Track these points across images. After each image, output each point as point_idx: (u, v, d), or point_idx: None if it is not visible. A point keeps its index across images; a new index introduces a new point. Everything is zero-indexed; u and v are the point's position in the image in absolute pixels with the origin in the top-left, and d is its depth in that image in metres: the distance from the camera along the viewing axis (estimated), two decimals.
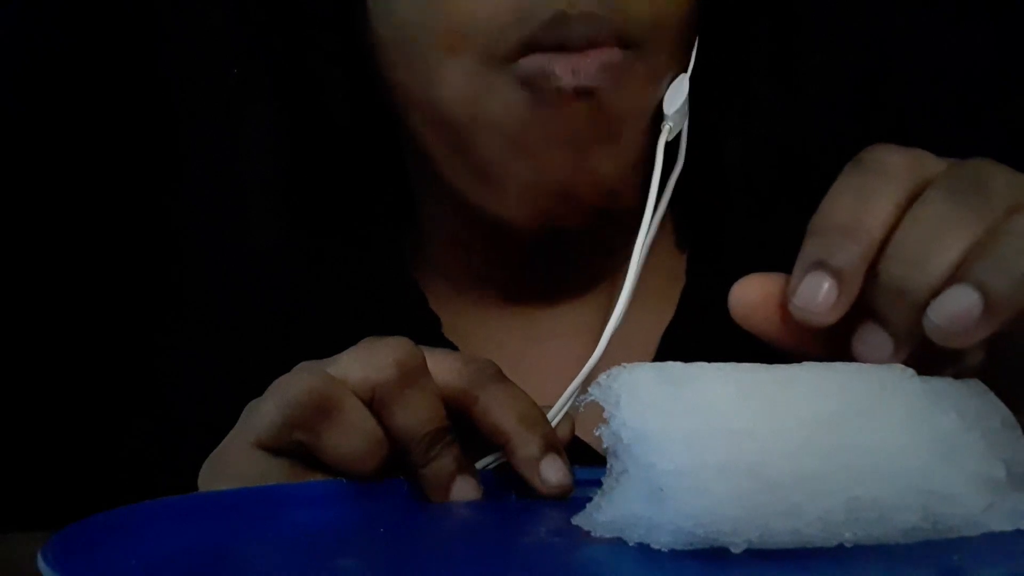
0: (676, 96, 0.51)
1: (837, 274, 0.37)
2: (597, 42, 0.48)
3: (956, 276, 0.36)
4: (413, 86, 0.51)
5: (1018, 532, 0.36)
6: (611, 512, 0.35)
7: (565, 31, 0.47)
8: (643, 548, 0.34)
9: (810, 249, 0.38)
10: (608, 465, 0.36)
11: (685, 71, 0.52)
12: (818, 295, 0.38)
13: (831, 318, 0.38)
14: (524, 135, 0.49)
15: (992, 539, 0.36)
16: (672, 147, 0.51)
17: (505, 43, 0.48)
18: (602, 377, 0.36)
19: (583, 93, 0.48)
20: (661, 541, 0.33)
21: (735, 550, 0.32)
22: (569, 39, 0.47)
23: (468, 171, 0.52)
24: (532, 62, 0.48)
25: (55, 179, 0.78)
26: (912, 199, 0.38)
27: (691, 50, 0.53)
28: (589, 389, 0.36)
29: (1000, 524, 0.36)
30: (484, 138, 0.50)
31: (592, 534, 0.36)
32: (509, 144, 0.50)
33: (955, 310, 0.36)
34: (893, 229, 0.38)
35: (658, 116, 0.52)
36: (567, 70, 0.48)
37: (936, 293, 0.36)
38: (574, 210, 0.52)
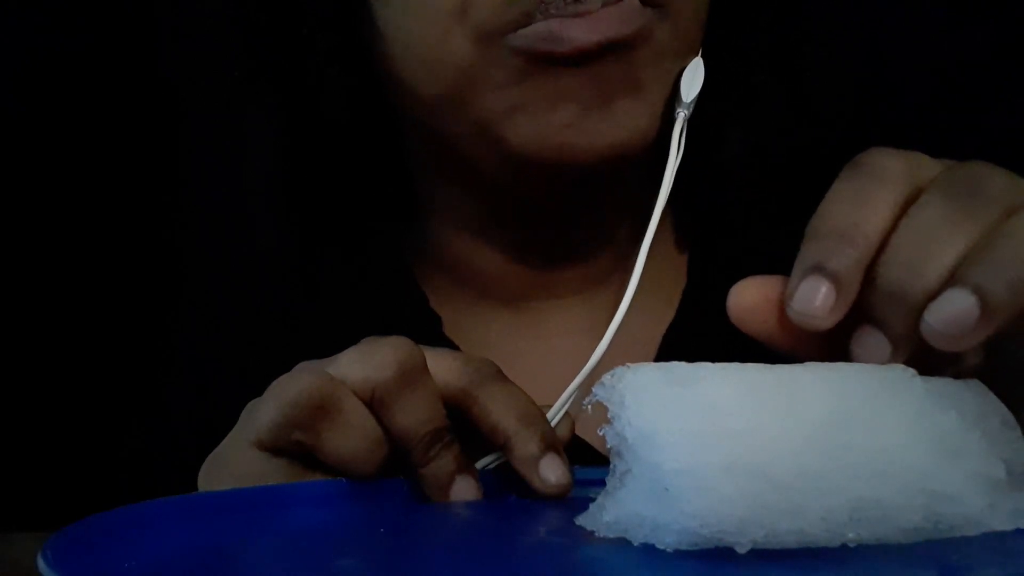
0: (693, 81, 0.51)
1: (834, 278, 0.37)
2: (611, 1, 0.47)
3: (953, 279, 0.36)
4: (414, 71, 0.51)
5: (1018, 531, 0.36)
6: (615, 512, 0.35)
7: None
8: (646, 548, 0.34)
9: (807, 253, 0.38)
10: (611, 465, 0.36)
11: (699, 47, 0.52)
12: (816, 299, 0.38)
13: (829, 322, 0.38)
14: (528, 101, 0.49)
15: (992, 539, 0.36)
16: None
17: (505, 15, 0.47)
18: (606, 377, 0.36)
19: (605, 48, 0.47)
20: (666, 541, 0.33)
21: (740, 550, 0.32)
22: (584, 4, 0.46)
23: (478, 132, 0.51)
24: (537, 28, 0.47)
25: (56, 180, 0.77)
26: (909, 203, 0.38)
27: (704, 27, 0.52)
28: (593, 389, 0.36)
29: (1001, 523, 0.36)
30: (492, 104, 0.49)
31: (596, 534, 0.36)
32: (517, 103, 0.49)
33: (952, 313, 0.36)
34: (890, 233, 0.38)
35: (671, 95, 0.51)
36: (579, 28, 0.47)
37: (933, 296, 0.36)
38: (587, 144, 0.49)
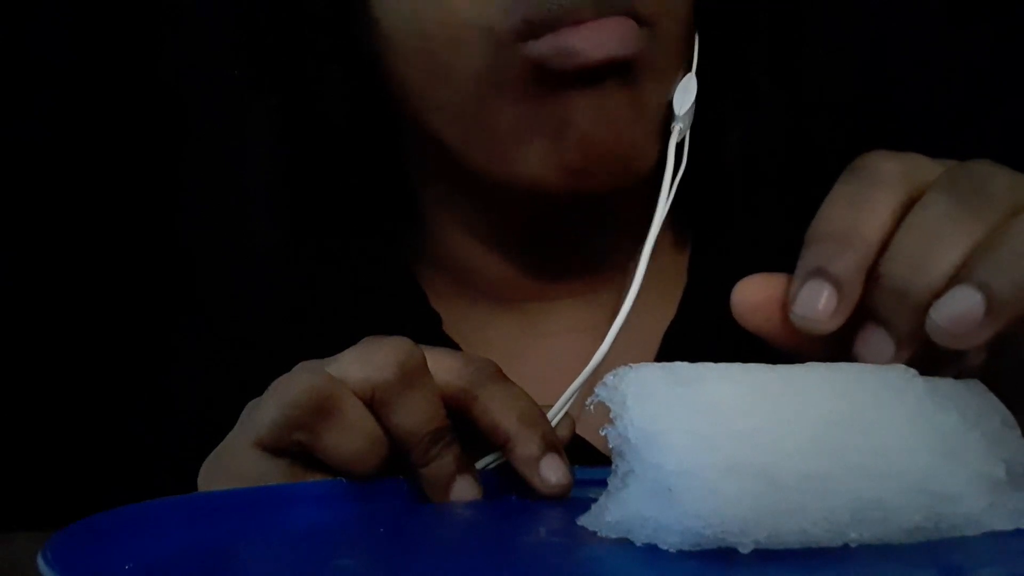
0: (685, 96, 0.51)
1: (836, 282, 0.38)
2: (608, 13, 0.47)
3: (958, 277, 0.36)
4: (420, 78, 0.51)
5: (1018, 531, 0.36)
6: (618, 513, 0.35)
7: (573, 5, 0.47)
8: (649, 548, 0.34)
9: (808, 258, 0.39)
10: (613, 465, 0.36)
11: (690, 66, 0.52)
12: (818, 303, 0.38)
13: (831, 326, 0.38)
14: (538, 123, 0.49)
15: (992, 539, 0.36)
16: (676, 147, 0.51)
17: (509, 21, 0.47)
18: (608, 377, 0.36)
19: (611, 69, 0.48)
20: (669, 542, 0.33)
21: (743, 550, 0.32)
22: (577, 12, 0.47)
23: (488, 152, 0.51)
24: (547, 42, 0.47)
25: (57, 181, 0.77)
26: (909, 204, 0.38)
27: (692, 41, 0.53)
28: (595, 389, 0.36)
29: (1001, 523, 0.36)
30: (502, 121, 0.50)
31: (598, 534, 0.36)
32: (527, 125, 0.49)
33: (957, 311, 0.36)
34: (890, 235, 0.38)
35: (666, 112, 0.52)
36: (587, 41, 0.47)
37: (938, 294, 0.36)
38: (598, 168, 0.50)
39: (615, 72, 0.48)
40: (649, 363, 0.36)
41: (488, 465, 0.45)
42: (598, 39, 0.47)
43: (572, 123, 0.49)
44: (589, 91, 0.48)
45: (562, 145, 0.49)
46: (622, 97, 0.49)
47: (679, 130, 0.51)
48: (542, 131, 0.49)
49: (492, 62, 0.48)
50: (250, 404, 0.44)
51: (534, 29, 0.47)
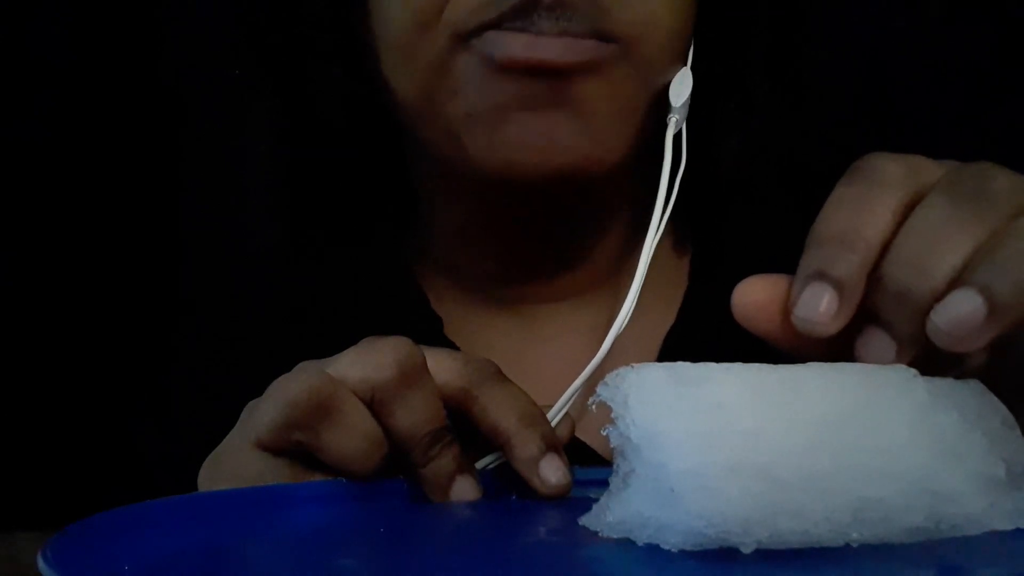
0: (682, 89, 0.51)
1: (837, 284, 0.38)
2: (568, 33, 0.48)
3: (959, 280, 0.36)
4: (393, 69, 0.51)
5: (1018, 531, 0.36)
6: (620, 513, 0.35)
7: (532, 18, 0.47)
8: (650, 548, 0.34)
9: (809, 260, 0.38)
10: (615, 465, 0.36)
11: (680, 64, 0.52)
12: (819, 306, 0.38)
13: (832, 329, 0.38)
14: (480, 110, 0.49)
15: (992, 538, 0.36)
16: (674, 145, 0.51)
17: (474, 22, 0.48)
18: (610, 377, 0.36)
19: (542, 71, 0.48)
20: (671, 542, 0.33)
21: (745, 550, 0.32)
22: (537, 26, 0.47)
23: (445, 146, 0.51)
24: (491, 37, 0.48)
25: (57, 182, 0.77)
26: (910, 207, 0.38)
27: (687, 48, 0.53)
28: (597, 389, 0.36)
29: (1001, 523, 0.36)
30: (452, 112, 0.50)
31: (600, 534, 0.36)
32: (471, 118, 0.50)
33: (958, 314, 0.36)
34: (891, 237, 0.38)
35: (656, 113, 0.52)
36: (520, 44, 0.47)
37: (939, 297, 0.36)
38: (535, 175, 0.50)
39: (550, 74, 0.48)
40: (651, 363, 0.36)
41: (488, 465, 0.45)
42: (533, 43, 0.47)
43: (505, 114, 0.49)
44: (517, 83, 0.48)
45: (501, 134, 0.49)
46: (551, 97, 0.49)
47: (675, 122, 0.51)
48: (484, 118, 0.49)
49: (452, 53, 0.49)
50: (250, 404, 0.44)
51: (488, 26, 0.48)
